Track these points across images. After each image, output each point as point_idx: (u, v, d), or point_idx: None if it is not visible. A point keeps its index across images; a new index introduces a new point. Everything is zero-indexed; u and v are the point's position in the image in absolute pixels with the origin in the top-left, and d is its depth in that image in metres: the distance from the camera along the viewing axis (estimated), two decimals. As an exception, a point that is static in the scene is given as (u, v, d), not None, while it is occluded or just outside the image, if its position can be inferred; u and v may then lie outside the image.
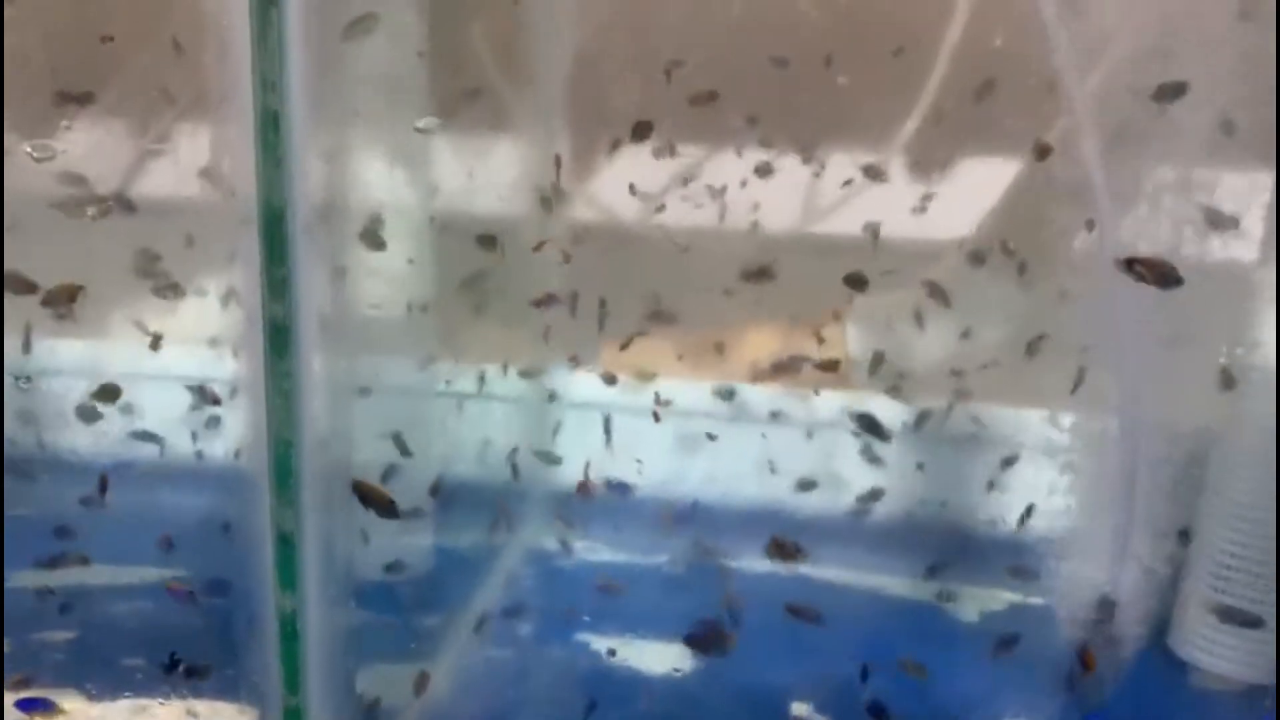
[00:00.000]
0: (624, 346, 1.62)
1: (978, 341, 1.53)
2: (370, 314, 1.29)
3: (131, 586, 1.43)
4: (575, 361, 1.60)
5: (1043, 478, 1.44)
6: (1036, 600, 1.42)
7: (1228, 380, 1.30)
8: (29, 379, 1.45)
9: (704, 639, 1.25)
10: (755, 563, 1.45)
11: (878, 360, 1.60)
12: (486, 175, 1.48)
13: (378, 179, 1.28)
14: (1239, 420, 1.31)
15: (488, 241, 1.41)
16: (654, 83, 1.49)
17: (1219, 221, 1.23)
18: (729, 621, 1.28)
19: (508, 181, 1.50)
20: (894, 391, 1.56)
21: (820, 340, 1.64)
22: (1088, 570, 1.30)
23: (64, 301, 1.12)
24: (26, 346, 1.41)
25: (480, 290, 1.46)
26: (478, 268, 1.43)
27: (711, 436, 1.60)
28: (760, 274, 1.52)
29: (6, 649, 1.28)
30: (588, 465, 1.55)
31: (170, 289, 1.31)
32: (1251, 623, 1.27)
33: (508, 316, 1.53)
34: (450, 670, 1.29)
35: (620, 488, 1.58)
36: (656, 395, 1.58)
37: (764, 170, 1.56)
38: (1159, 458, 1.27)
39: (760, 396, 1.61)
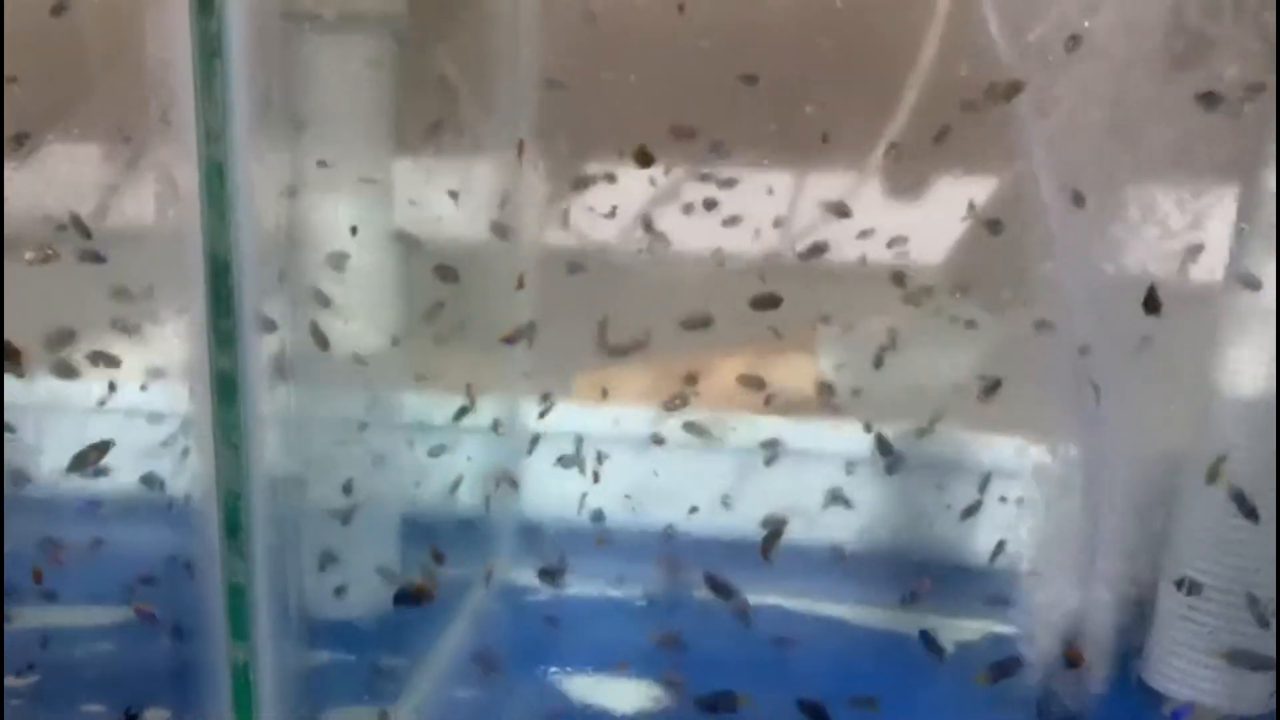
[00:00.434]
0: (593, 375, 1.62)
1: (946, 369, 1.53)
2: (332, 352, 1.29)
3: (93, 628, 1.42)
4: (546, 395, 1.59)
5: (1010, 507, 1.44)
6: (1007, 629, 1.42)
7: (1196, 404, 1.30)
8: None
9: (715, 701, 1.23)
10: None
11: (850, 389, 1.59)
12: (452, 207, 1.47)
13: (338, 218, 1.28)
14: (1207, 446, 1.30)
15: (450, 274, 1.41)
16: (626, 109, 1.49)
17: (1186, 247, 1.24)
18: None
19: (474, 213, 1.50)
20: (865, 419, 1.56)
21: (791, 369, 1.64)
22: (1057, 599, 1.29)
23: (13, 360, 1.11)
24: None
25: (447, 323, 1.45)
26: (443, 301, 1.43)
27: (674, 463, 1.59)
28: (732, 302, 1.51)
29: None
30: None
31: (130, 328, 1.30)
32: (1262, 665, 1.26)
33: (476, 349, 1.53)
34: (414, 711, 1.28)
35: (595, 518, 1.57)
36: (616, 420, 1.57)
37: (731, 195, 1.56)
38: (1128, 485, 1.27)
39: (733, 425, 1.60)
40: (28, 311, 1.19)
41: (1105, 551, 1.28)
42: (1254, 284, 1.22)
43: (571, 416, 1.60)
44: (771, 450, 1.58)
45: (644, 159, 1.37)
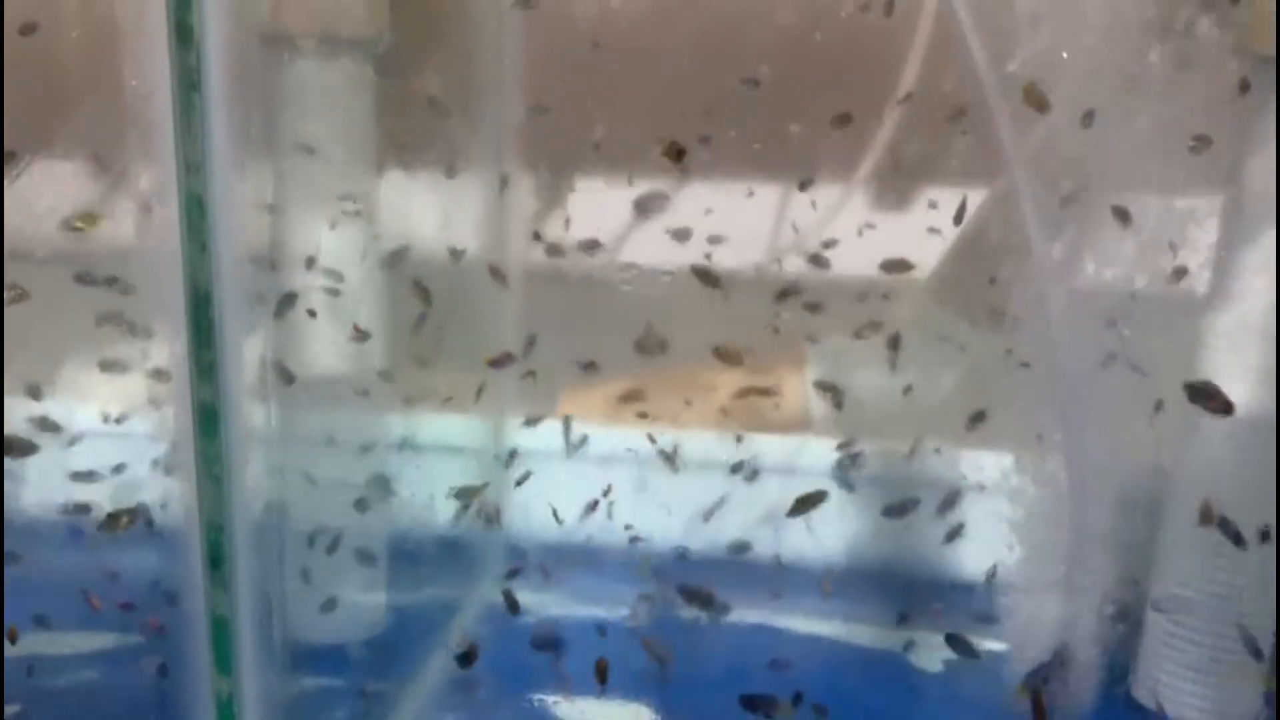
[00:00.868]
0: (578, 394, 1.61)
1: (930, 384, 1.53)
2: (316, 377, 1.28)
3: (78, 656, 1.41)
4: (532, 413, 1.59)
5: (995, 523, 1.43)
6: (994, 646, 1.42)
7: (1181, 419, 1.30)
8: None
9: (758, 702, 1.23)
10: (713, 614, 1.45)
11: (836, 404, 1.59)
12: (435, 228, 1.47)
13: (320, 242, 1.27)
14: (1192, 460, 1.31)
15: (432, 295, 1.40)
16: (611, 128, 1.49)
17: (1171, 260, 1.24)
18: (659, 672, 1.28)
19: (457, 234, 1.49)
20: (850, 434, 1.56)
21: (778, 384, 1.63)
22: (1044, 615, 1.29)
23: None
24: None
25: (431, 345, 1.45)
26: (427, 323, 1.42)
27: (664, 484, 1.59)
28: (719, 317, 1.51)
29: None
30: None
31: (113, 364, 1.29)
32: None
33: (462, 369, 1.52)
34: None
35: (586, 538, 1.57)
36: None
37: (715, 211, 1.56)
38: (1113, 500, 1.27)
39: (716, 442, 1.60)
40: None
41: (1091, 567, 1.28)
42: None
43: (558, 435, 1.60)
44: (753, 468, 1.58)
45: (675, 154, 1.35)
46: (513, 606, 1.41)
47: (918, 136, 1.50)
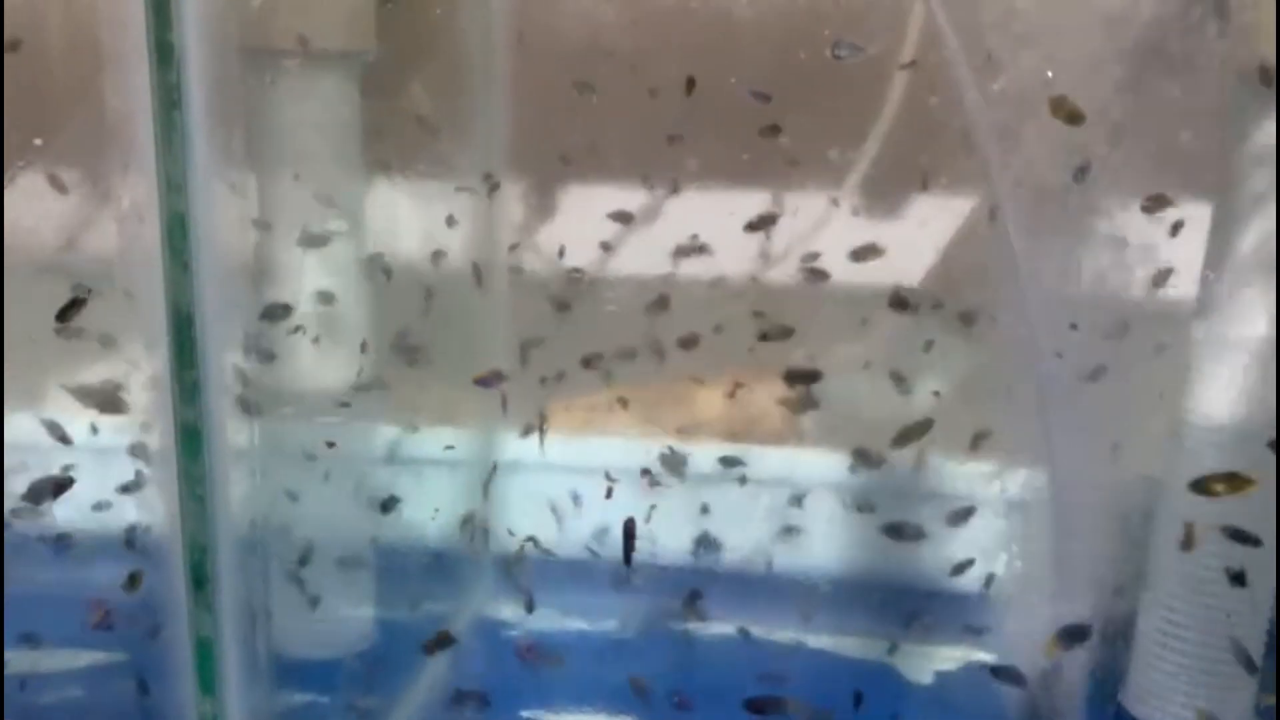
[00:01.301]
0: (570, 405, 1.61)
1: (922, 395, 1.52)
2: (304, 392, 1.28)
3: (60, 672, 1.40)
4: (525, 426, 1.59)
5: (989, 534, 1.43)
6: (987, 657, 1.42)
7: (1171, 431, 1.30)
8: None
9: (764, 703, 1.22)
10: (703, 626, 1.45)
11: (830, 413, 1.59)
12: (423, 239, 1.46)
13: (305, 256, 1.27)
14: (1182, 472, 1.30)
15: (423, 308, 1.40)
16: (599, 136, 1.49)
17: (1158, 273, 1.24)
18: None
19: (445, 245, 1.49)
20: (845, 446, 1.55)
21: (767, 393, 1.63)
22: (1037, 627, 1.29)
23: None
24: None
25: (420, 358, 1.44)
26: (416, 337, 1.42)
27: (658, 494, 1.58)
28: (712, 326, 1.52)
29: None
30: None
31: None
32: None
33: (451, 383, 1.52)
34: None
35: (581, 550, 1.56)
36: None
37: (706, 219, 1.56)
38: (1105, 511, 1.27)
39: (711, 454, 1.60)
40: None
41: (1083, 578, 1.28)
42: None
43: (550, 449, 1.59)
44: (744, 476, 1.57)
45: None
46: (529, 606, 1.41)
47: (904, 149, 1.51)
